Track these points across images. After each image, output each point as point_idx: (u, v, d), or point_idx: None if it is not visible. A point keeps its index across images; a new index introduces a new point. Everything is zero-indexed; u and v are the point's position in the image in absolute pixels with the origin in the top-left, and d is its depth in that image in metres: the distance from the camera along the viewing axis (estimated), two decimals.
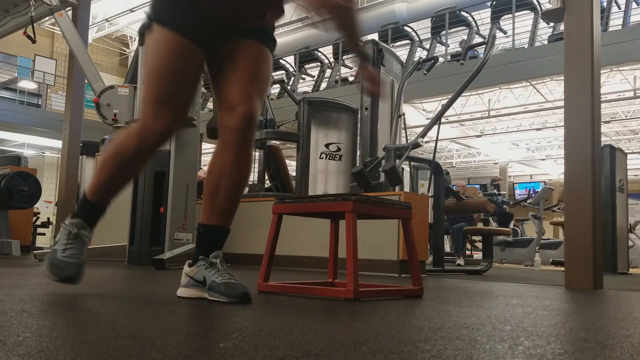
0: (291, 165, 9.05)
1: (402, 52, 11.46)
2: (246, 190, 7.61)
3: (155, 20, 1.88)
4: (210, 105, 13.02)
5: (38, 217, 11.22)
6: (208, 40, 1.89)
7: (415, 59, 10.39)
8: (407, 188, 7.25)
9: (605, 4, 9.66)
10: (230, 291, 1.79)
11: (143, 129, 1.84)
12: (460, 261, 7.32)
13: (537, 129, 16.93)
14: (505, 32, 10.86)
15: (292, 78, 13.20)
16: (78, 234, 1.90)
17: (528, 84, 12.48)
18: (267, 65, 1.96)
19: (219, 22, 1.88)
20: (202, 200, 1.96)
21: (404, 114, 5.72)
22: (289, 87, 10.52)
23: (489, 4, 11.35)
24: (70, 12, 6.63)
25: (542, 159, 20.74)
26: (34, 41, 6.08)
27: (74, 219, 1.92)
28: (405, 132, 5.99)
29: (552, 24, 10.12)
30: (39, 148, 18.32)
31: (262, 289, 2.30)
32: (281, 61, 13.38)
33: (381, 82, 2.02)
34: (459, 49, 11.71)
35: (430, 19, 11.83)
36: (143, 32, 1.98)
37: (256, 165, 7.51)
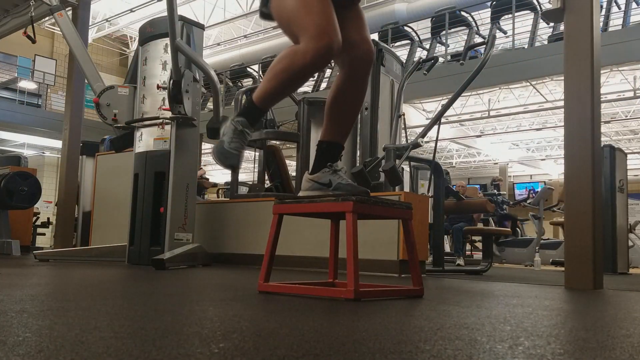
0: (291, 166, 9.05)
1: (402, 52, 11.46)
2: (246, 190, 7.62)
3: None
4: (210, 105, 13.02)
5: (38, 217, 11.23)
6: None
7: (415, 59, 10.40)
8: (407, 188, 7.25)
9: (605, 4, 9.67)
10: (354, 189, 2.17)
11: (311, 47, 1.99)
12: (460, 261, 7.32)
13: (537, 129, 16.94)
14: (505, 32, 10.86)
15: None
16: (242, 131, 2.14)
17: (528, 84, 12.49)
18: (362, 14, 2.28)
19: None
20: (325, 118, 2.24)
21: (403, 114, 5.72)
22: None
23: (489, 4, 11.35)
24: (70, 12, 6.64)
25: (542, 159, 20.75)
26: (34, 41, 6.08)
27: (239, 117, 2.16)
28: (405, 132, 5.99)
29: (552, 24, 10.12)
30: (38, 148, 18.33)
31: (262, 289, 2.30)
32: None
33: None
34: (460, 49, 11.70)
35: (430, 19, 11.83)
36: None
37: (256, 165, 7.52)
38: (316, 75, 13.41)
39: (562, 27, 5.55)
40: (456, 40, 14.66)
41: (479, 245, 10.30)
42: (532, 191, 17.53)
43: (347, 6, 2.22)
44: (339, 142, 2.27)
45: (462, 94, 5.15)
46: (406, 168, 7.43)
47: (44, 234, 11.93)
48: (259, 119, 2.21)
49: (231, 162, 2.14)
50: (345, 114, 2.24)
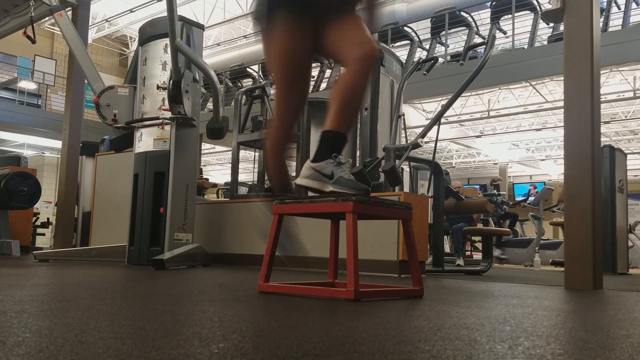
0: (291, 166, 9.04)
1: (402, 53, 11.46)
2: (246, 190, 7.62)
3: (275, 8, 2.31)
4: (210, 105, 13.02)
5: (38, 218, 11.23)
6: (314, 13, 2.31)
7: (415, 60, 10.39)
8: (406, 188, 7.24)
9: (605, 5, 9.66)
10: (355, 186, 2.15)
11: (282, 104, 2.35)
12: (460, 261, 7.32)
13: (537, 130, 16.94)
14: (505, 33, 10.86)
15: None
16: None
17: (528, 84, 12.48)
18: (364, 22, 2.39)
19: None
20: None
21: (403, 115, 5.72)
22: None
23: (488, 4, 11.35)
24: (70, 13, 6.63)
25: (542, 160, 20.75)
26: (33, 41, 6.07)
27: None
28: (405, 133, 5.99)
29: (551, 25, 10.12)
30: (38, 148, 18.33)
31: (262, 289, 2.30)
32: None
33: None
34: (459, 49, 11.70)
35: (430, 19, 11.83)
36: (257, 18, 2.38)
37: (256, 165, 7.52)
38: (316, 75, 13.41)
39: (561, 28, 5.55)
40: (456, 41, 14.66)
41: (479, 245, 10.30)
42: (530, 192, 17.50)
43: (346, 15, 2.33)
44: (344, 132, 2.28)
45: (462, 94, 5.15)
46: (406, 168, 7.43)
47: (43, 234, 11.93)
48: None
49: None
50: (350, 104, 2.29)
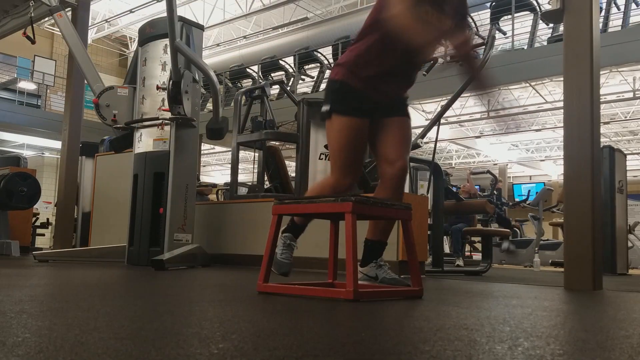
0: (291, 166, 9.05)
1: None
2: (245, 191, 7.62)
3: (334, 112, 2.56)
4: (209, 105, 13.02)
5: (37, 218, 11.22)
6: (369, 114, 2.59)
7: None
8: (406, 189, 7.24)
9: (604, 5, 9.67)
10: (397, 282, 2.66)
11: (336, 184, 2.59)
12: (460, 262, 7.31)
13: (537, 130, 16.94)
14: (504, 33, 10.86)
15: (292, 79, 13.20)
16: (289, 244, 2.63)
17: (527, 84, 12.49)
18: (409, 131, 2.69)
19: (376, 101, 2.59)
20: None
21: None
22: (288, 88, 10.52)
23: (488, 4, 11.35)
24: (69, 13, 6.63)
25: (542, 160, 20.76)
26: (33, 42, 6.07)
27: (286, 233, 2.63)
28: None
29: (551, 25, 10.12)
30: (38, 149, 18.32)
31: (261, 289, 2.30)
32: (280, 62, 13.38)
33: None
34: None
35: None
36: (323, 119, 2.63)
37: (255, 166, 7.51)
38: (316, 75, 13.42)
39: (561, 28, 5.55)
40: None
41: (479, 246, 10.29)
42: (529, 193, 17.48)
43: (393, 117, 2.63)
44: (382, 241, 2.70)
45: (462, 95, 5.15)
46: None
47: (43, 235, 11.92)
48: (300, 234, 2.67)
49: (284, 270, 2.58)
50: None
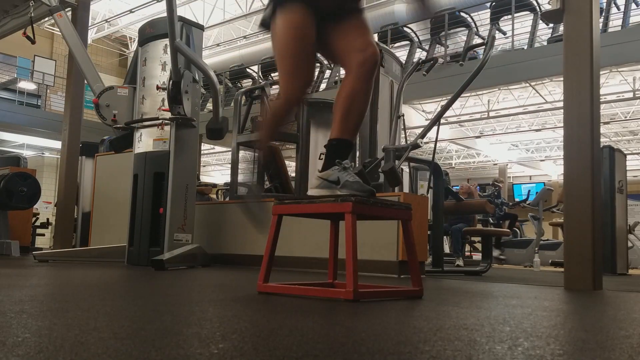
0: (290, 166, 9.04)
1: (402, 53, 11.46)
2: (245, 191, 7.61)
3: (278, 6, 2.35)
4: (209, 105, 13.02)
5: (37, 218, 11.22)
6: (315, 11, 2.36)
7: (415, 60, 10.39)
8: (406, 189, 7.24)
9: (604, 5, 9.67)
10: (361, 187, 2.24)
11: (286, 92, 2.37)
12: (460, 262, 7.31)
13: (537, 130, 16.94)
14: (504, 33, 10.86)
15: None
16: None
17: (527, 84, 12.49)
18: (367, 22, 2.47)
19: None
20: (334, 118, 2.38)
21: (403, 115, 5.72)
22: None
23: (488, 4, 11.35)
24: (69, 13, 6.63)
25: (542, 160, 20.76)
26: (33, 42, 6.07)
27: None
28: (405, 133, 5.99)
29: (551, 25, 10.12)
30: (38, 149, 18.32)
31: (261, 289, 2.30)
32: None
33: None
34: (459, 50, 11.70)
35: (430, 20, 11.82)
36: (266, 24, 2.43)
37: (255, 166, 7.51)
38: (315, 76, 13.42)
39: (561, 28, 5.55)
40: (455, 41, 14.66)
41: (479, 246, 10.30)
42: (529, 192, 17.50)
43: (347, 16, 2.41)
44: (347, 139, 2.35)
45: (462, 95, 5.15)
46: (405, 169, 7.43)
47: (43, 235, 11.93)
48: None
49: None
50: (352, 111, 2.33)
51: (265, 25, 2.44)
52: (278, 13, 2.35)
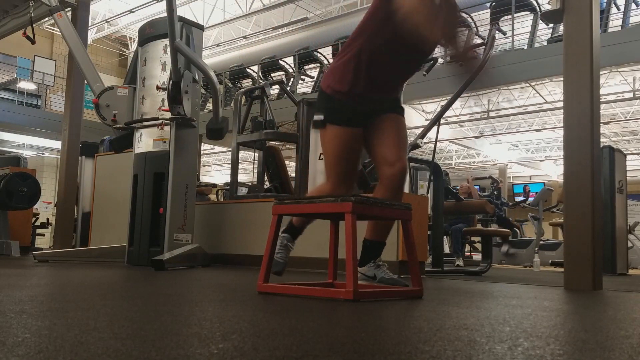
0: (290, 166, 9.06)
1: None
2: (245, 191, 7.62)
3: (328, 122, 2.56)
4: (209, 106, 13.02)
5: (37, 218, 11.22)
6: (362, 122, 2.60)
7: None
8: (406, 189, 7.24)
9: (604, 5, 9.67)
10: (395, 282, 2.65)
11: (332, 192, 2.58)
12: (460, 262, 7.31)
13: (537, 130, 16.94)
14: (504, 33, 10.86)
15: (292, 79, 13.20)
16: (286, 244, 2.65)
17: (527, 85, 12.49)
18: (405, 129, 2.70)
19: (368, 109, 2.60)
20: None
21: None
22: (288, 88, 10.52)
23: (488, 4, 11.35)
24: (69, 13, 6.63)
25: (542, 160, 20.76)
26: (33, 42, 6.07)
27: (284, 233, 2.65)
28: None
29: (551, 25, 10.12)
30: (38, 149, 18.32)
31: (261, 289, 2.30)
32: (280, 62, 13.38)
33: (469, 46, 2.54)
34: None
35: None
36: (316, 127, 2.63)
37: (255, 166, 7.51)
38: (316, 75, 13.43)
39: (561, 28, 5.55)
40: None
41: (479, 246, 10.30)
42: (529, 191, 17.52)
43: (387, 117, 2.61)
44: (381, 241, 2.69)
45: (462, 95, 5.15)
46: None
47: (43, 235, 11.93)
48: (298, 235, 2.69)
49: (277, 269, 2.59)
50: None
51: (317, 127, 2.62)
52: (328, 127, 2.56)
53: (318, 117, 2.58)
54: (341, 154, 2.56)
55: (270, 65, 13.48)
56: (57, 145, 13.21)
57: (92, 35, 17.46)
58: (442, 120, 5.90)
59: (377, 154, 2.62)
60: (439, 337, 1.27)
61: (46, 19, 7.32)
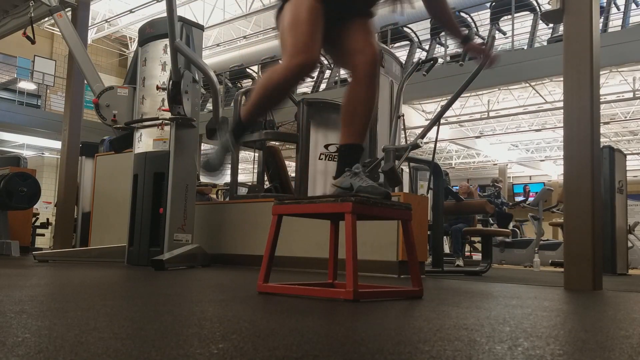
0: (290, 166, 9.05)
1: (402, 54, 11.47)
2: (245, 191, 7.62)
3: None
4: (209, 106, 13.02)
5: (37, 218, 11.22)
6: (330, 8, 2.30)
7: (415, 60, 10.39)
8: (406, 189, 7.25)
9: (604, 5, 9.67)
10: (374, 190, 2.23)
11: (287, 64, 2.23)
12: (460, 262, 7.32)
13: (537, 130, 16.95)
14: (504, 33, 10.87)
15: None
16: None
17: (527, 85, 12.49)
18: (373, 27, 2.47)
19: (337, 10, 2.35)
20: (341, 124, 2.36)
21: (403, 115, 5.72)
22: None
23: (488, 4, 11.35)
24: (69, 13, 6.63)
25: (542, 160, 20.76)
26: (33, 42, 6.07)
27: (227, 134, 2.38)
28: (405, 133, 5.99)
29: (551, 25, 10.12)
30: (38, 149, 18.32)
31: (261, 290, 2.30)
32: (280, 62, 13.37)
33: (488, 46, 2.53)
34: (459, 50, 11.70)
35: (429, 19, 11.83)
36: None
37: (255, 166, 7.52)
38: (315, 76, 13.42)
39: (561, 28, 5.55)
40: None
41: (479, 246, 10.30)
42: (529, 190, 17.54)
43: (355, 19, 2.40)
44: (356, 143, 2.35)
45: (462, 95, 5.15)
46: (405, 169, 7.43)
47: (43, 235, 11.93)
48: (243, 134, 2.43)
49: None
50: (357, 114, 2.32)
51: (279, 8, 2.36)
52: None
53: None
54: (301, 18, 2.23)
55: (270, 65, 13.48)
56: (57, 145, 13.21)
57: (92, 35, 17.46)
58: (442, 120, 5.90)
59: (345, 48, 2.37)
60: (439, 337, 1.27)
61: (46, 19, 7.32)
